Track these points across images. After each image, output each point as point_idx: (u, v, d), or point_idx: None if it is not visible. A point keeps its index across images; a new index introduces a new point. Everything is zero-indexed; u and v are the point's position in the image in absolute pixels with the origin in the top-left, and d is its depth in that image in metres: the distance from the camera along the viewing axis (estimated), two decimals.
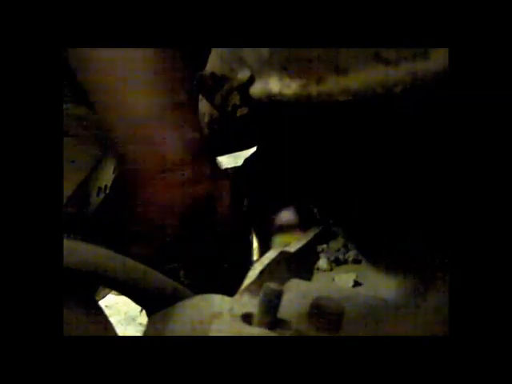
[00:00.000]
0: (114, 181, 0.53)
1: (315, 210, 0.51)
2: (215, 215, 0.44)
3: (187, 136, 0.41)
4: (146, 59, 0.40)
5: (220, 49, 0.46)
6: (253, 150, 0.60)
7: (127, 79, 0.39)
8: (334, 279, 0.43)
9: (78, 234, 0.35)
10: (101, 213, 0.51)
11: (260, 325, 0.27)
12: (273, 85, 0.36)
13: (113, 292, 0.61)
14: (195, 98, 0.43)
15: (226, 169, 0.48)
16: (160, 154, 0.40)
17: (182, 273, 0.48)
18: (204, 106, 0.51)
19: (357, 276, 0.42)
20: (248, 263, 0.50)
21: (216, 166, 0.45)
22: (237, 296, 0.32)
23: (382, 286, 0.40)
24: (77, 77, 0.41)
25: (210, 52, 0.48)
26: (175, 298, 0.35)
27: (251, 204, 0.55)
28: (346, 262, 0.45)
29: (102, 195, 0.52)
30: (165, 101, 0.40)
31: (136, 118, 0.40)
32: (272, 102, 0.37)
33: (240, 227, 0.48)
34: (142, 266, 0.35)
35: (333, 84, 0.33)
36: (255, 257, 0.55)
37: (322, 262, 0.45)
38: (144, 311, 0.37)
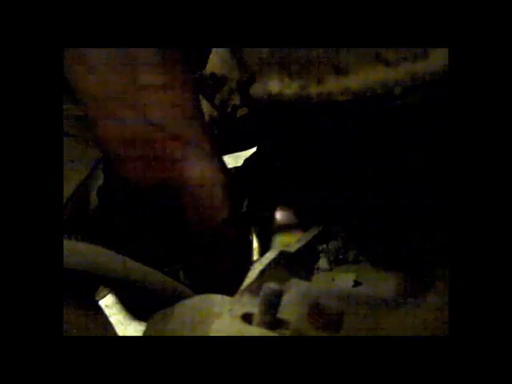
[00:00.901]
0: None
1: (315, 210, 0.51)
2: (177, 204, 0.43)
3: (152, 116, 0.41)
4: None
5: (220, 49, 0.46)
6: (253, 150, 0.60)
7: (91, 62, 0.40)
8: (333, 279, 0.43)
9: (78, 234, 0.35)
10: (101, 213, 0.51)
11: (260, 325, 0.27)
12: (273, 85, 0.36)
13: (113, 292, 0.60)
14: (182, 80, 0.43)
15: (226, 166, 0.47)
16: (118, 129, 0.41)
17: (181, 273, 0.48)
18: (204, 106, 0.51)
19: (357, 276, 0.42)
20: (248, 263, 0.50)
21: (199, 156, 0.44)
22: (237, 296, 0.32)
23: (382, 286, 0.40)
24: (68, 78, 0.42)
25: (210, 52, 0.48)
26: (175, 298, 0.35)
27: (251, 204, 0.55)
28: (346, 262, 0.45)
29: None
30: (127, 83, 0.41)
31: (99, 99, 0.41)
32: (272, 102, 0.37)
33: (238, 228, 0.47)
34: (142, 266, 0.35)
35: (333, 84, 0.33)
36: (255, 257, 0.55)
37: (322, 262, 0.45)
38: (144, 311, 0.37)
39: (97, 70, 0.40)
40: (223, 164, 0.45)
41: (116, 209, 0.46)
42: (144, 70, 0.41)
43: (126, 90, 0.41)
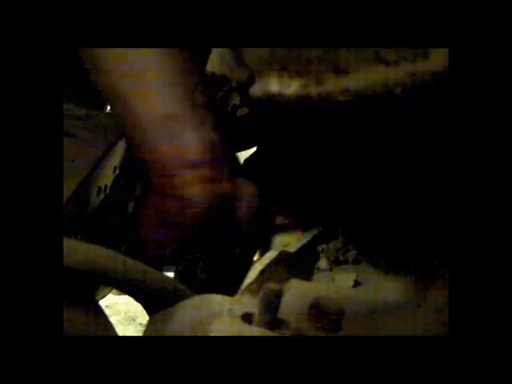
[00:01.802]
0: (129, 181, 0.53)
1: (315, 210, 0.51)
2: (235, 215, 0.45)
3: (206, 136, 0.42)
4: (162, 60, 0.41)
5: (220, 49, 0.46)
6: (253, 150, 0.60)
7: (144, 80, 0.40)
8: (334, 279, 0.43)
9: (78, 234, 0.35)
10: (101, 213, 0.51)
11: (260, 325, 0.27)
12: (273, 85, 0.36)
13: (113, 292, 0.61)
14: (213, 99, 0.44)
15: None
16: (180, 152, 0.41)
17: (199, 267, 0.48)
18: None
19: (357, 276, 0.42)
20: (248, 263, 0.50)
21: (236, 166, 0.45)
22: (237, 296, 0.32)
23: (382, 286, 0.40)
24: (91, 77, 0.42)
25: (210, 52, 0.48)
26: (175, 298, 0.35)
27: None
28: (346, 262, 0.45)
29: (102, 195, 0.52)
30: (183, 101, 0.41)
31: (155, 117, 0.41)
32: (272, 102, 0.37)
33: (263, 227, 0.49)
34: (142, 266, 0.35)
35: (333, 84, 0.33)
36: (255, 257, 0.55)
37: (322, 262, 0.45)
38: (144, 311, 0.37)
39: (152, 87, 0.40)
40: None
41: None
42: (196, 86, 0.41)
43: (185, 110, 0.41)
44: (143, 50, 0.40)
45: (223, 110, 0.46)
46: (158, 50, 0.40)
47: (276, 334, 0.27)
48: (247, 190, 0.45)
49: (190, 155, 0.42)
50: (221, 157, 0.43)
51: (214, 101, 0.44)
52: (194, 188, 0.42)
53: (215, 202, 0.43)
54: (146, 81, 0.40)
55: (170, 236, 0.45)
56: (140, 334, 0.38)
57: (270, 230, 0.55)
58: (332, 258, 0.45)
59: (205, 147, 0.42)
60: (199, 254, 0.48)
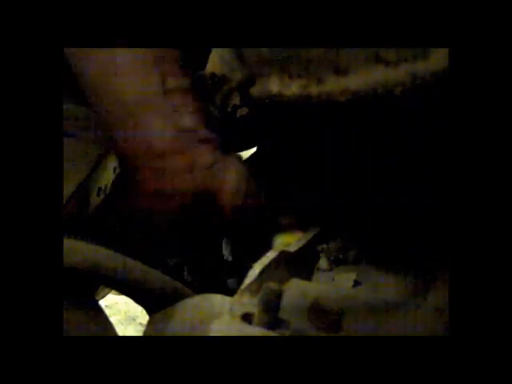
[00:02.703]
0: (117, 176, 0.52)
1: (315, 210, 0.51)
2: (214, 207, 0.43)
3: (179, 123, 0.40)
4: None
5: (220, 49, 0.46)
6: (253, 150, 0.60)
7: (115, 67, 0.39)
8: (333, 279, 0.43)
9: (78, 234, 0.35)
10: (101, 213, 0.51)
11: (260, 325, 0.27)
12: (273, 85, 0.36)
13: (113, 292, 0.61)
14: (197, 83, 0.42)
15: (241, 161, 0.46)
16: (150, 140, 0.40)
17: (186, 270, 0.48)
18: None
19: (357, 276, 0.42)
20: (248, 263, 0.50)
21: (224, 157, 0.43)
22: (237, 296, 0.32)
23: (382, 286, 0.40)
24: (71, 69, 0.41)
25: (210, 52, 0.48)
26: (175, 298, 0.35)
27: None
28: (346, 262, 0.45)
29: (102, 195, 0.52)
30: (154, 88, 0.39)
31: (125, 105, 0.39)
32: (272, 102, 0.37)
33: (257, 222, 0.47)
34: (142, 266, 0.35)
35: (333, 84, 0.33)
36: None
37: (322, 262, 0.45)
38: (144, 311, 0.37)
39: (123, 75, 0.39)
40: (242, 161, 0.45)
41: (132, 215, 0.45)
42: (169, 72, 0.40)
43: (156, 96, 0.39)
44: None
45: (223, 109, 0.46)
46: None
47: (276, 334, 0.27)
48: (230, 179, 0.43)
49: (161, 144, 0.40)
50: (196, 145, 0.41)
51: (191, 87, 0.41)
52: (167, 179, 0.41)
53: (189, 193, 0.41)
54: (116, 68, 0.39)
55: (145, 227, 0.44)
56: (140, 334, 0.38)
57: (270, 230, 0.55)
58: (332, 258, 0.45)
59: (176, 135, 0.40)
60: (185, 256, 0.48)
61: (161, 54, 0.39)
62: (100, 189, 0.52)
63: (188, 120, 0.40)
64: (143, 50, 0.39)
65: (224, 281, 0.46)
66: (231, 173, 0.42)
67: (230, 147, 0.44)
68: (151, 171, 0.41)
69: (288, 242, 0.47)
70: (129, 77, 0.39)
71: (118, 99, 0.39)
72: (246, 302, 0.31)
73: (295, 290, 0.35)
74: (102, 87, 0.40)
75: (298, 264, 0.41)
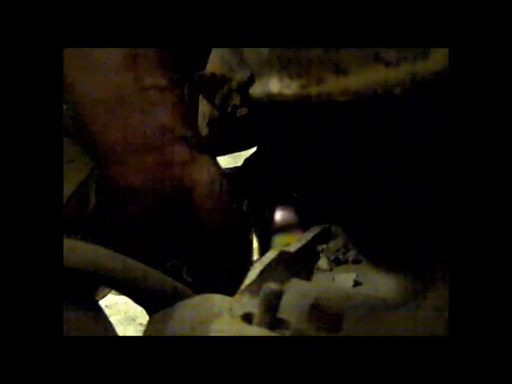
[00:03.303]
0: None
1: (315, 210, 0.51)
2: (190, 207, 0.43)
3: (157, 119, 0.40)
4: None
5: (220, 49, 0.46)
6: (253, 150, 0.60)
7: (90, 63, 0.39)
8: (334, 279, 0.43)
9: (78, 234, 0.35)
10: (101, 213, 0.51)
11: (260, 325, 0.27)
12: (273, 85, 0.36)
13: (113, 292, 0.61)
14: (177, 81, 0.43)
15: (217, 162, 0.46)
16: (126, 136, 0.40)
17: (184, 270, 0.48)
18: (204, 106, 0.51)
19: (357, 276, 0.42)
20: (248, 263, 0.50)
21: (200, 156, 0.43)
22: (237, 296, 0.32)
23: (382, 286, 0.40)
24: None
25: (210, 52, 0.48)
26: (175, 298, 0.35)
27: (251, 204, 0.55)
28: (346, 261, 0.45)
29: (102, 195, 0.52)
30: (131, 84, 0.40)
31: (101, 101, 0.39)
32: (272, 103, 0.37)
33: (236, 227, 0.47)
34: (142, 266, 0.35)
35: (333, 84, 0.33)
36: (255, 257, 0.55)
37: (322, 262, 0.45)
38: (144, 311, 0.37)
39: (99, 71, 0.39)
40: (218, 162, 0.45)
41: (115, 212, 0.46)
42: (147, 70, 0.40)
43: (131, 92, 0.40)
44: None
45: (223, 109, 0.46)
46: None
47: (276, 334, 0.27)
48: (207, 180, 0.43)
49: (135, 140, 0.40)
50: (172, 142, 0.41)
51: (170, 85, 0.42)
52: (141, 176, 0.41)
53: (166, 191, 0.41)
54: (92, 64, 0.39)
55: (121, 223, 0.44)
56: (140, 334, 0.38)
57: (270, 231, 0.55)
58: (332, 258, 0.45)
59: (153, 131, 0.40)
60: (184, 256, 0.48)
61: (138, 52, 0.40)
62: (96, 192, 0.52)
63: (164, 117, 0.41)
64: (120, 49, 0.39)
65: (224, 281, 0.46)
66: (206, 171, 0.42)
67: (205, 147, 0.44)
68: (125, 167, 0.41)
69: (288, 242, 0.47)
70: (104, 74, 0.39)
71: (93, 95, 0.40)
72: (246, 302, 0.31)
73: (295, 290, 0.35)
74: (77, 83, 0.40)
75: (298, 264, 0.41)
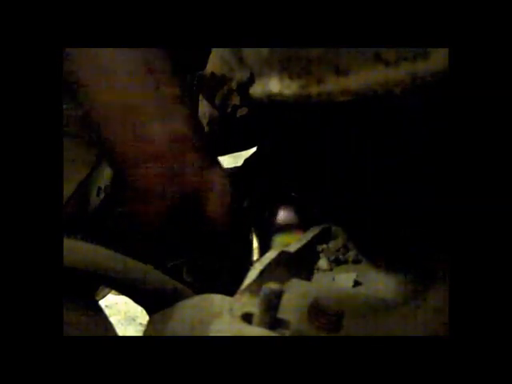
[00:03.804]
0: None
1: (315, 210, 0.51)
2: (203, 212, 0.43)
3: (173, 128, 0.41)
4: (128, 53, 0.40)
5: (220, 49, 0.46)
6: (253, 150, 0.60)
7: (107, 70, 0.39)
8: (334, 279, 0.43)
9: (78, 234, 0.35)
10: (101, 213, 0.51)
11: (260, 325, 0.27)
12: (273, 85, 0.36)
13: (113, 292, 0.61)
14: (188, 92, 0.43)
15: (224, 168, 0.47)
16: (142, 143, 0.40)
17: (185, 270, 0.48)
18: (204, 106, 0.51)
19: (357, 276, 0.42)
20: (248, 263, 0.50)
21: (212, 163, 0.44)
22: (237, 296, 0.32)
23: (382, 286, 0.40)
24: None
25: (210, 52, 0.48)
26: (175, 298, 0.35)
27: (251, 204, 0.55)
28: (346, 261, 0.45)
29: (102, 195, 0.52)
30: (147, 94, 0.40)
31: (116, 108, 0.40)
32: (272, 102, 0.37)
33: (236, 227, 0.47)
34: (142, 266, 0.35)
35: (333, 84, 0.33)
36: (255, 257, 0.55)
37: (322, 262, 0.45)
38: (144, 311, 0.37)
39: (115, 75, 0.39)
40: (222, 166, 0.46)
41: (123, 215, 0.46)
42: (163, 80, 0.40)
43: (149, 102, 0.40)
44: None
45: (223, 109, 0.46)
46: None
47: (276, 334, 0.27)
48: (219, 186, 0.44)
49: (153, 147, 0.40)
50: (188, 150, 0.42)
51: (183, 95, 0.42)
52: (157, 181, 0.41)
53: (179, 197, 0.42)
54: (107, 67, 0.40)
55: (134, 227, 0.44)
56: (140, 334, 0.38)
57: (270, 231, 0.55)
58: (332, 258, 0.45)
59: (170, 139, 0.41)
60: (184, 256, 0.48)
61: (154, 63, 0.40)
62: (100, 189, 0.52)
63: (180, 126, 0.41)
64: (138, 58, 0.39)
65: (224, 281, 0.46)
66: (219, 178, 0.43)
67: (215, 155, 0.45)
68: (140, 173, 0.41)
69: (288, 242, 0.47)
70: (123, 81, 0.40)
71: (107, 99, 0.40)
72: (246, 302, 0.31)
73: (295, 290, 0.35)
74: (95, 88, 0.40)
75: (298, 264, 0.41)
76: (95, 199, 0.51)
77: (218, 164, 0.45)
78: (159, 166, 0.41)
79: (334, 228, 0.48)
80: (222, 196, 0.44)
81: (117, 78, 0.39)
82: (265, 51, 0.36)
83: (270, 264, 0.36)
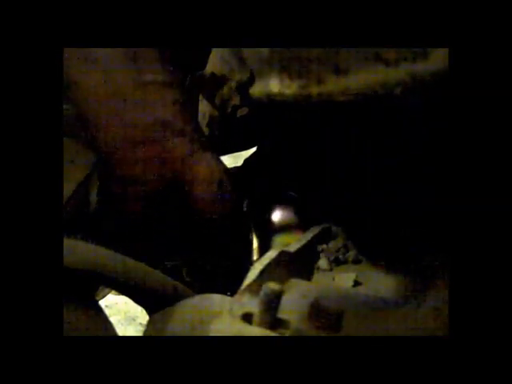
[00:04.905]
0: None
1: (315, 210, 0.51)
2: (186, 199, 0.43)
3: (158, 114, 0.41)
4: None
5: (220, 49, 0.46)
6: (253, 150, 0.60)
7: (93, 60, 0.40)
8: (334, 279, 0.43)
9: (78, 234, 0.35)
10: (101, 213, 0.51)
11: (260, 325, 0.27)
12: (273, 85, 0.36)
13: (113, 292, 0.60)
14: (176, 77, 0.43)
15: (218, 157, 0.47)
16: (127, 129, 0.41)
17: (184, 270, 0.48)
18: (204, 106, 0.51)
19: (357, 276, 0.42)
20: (248, 263, 0.50)
21: (199, 150, 0.44)
22: (237, 296, 0.32)
23: (382, 286, 0.40)
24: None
25: (210, 52, 0.48)
26: (175, 298, 0.35)
27: (251, 204, 0.55)
28: (346, 262, 0.45)
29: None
30: (132, 80, 0.41)
31: (101, 95, 0.40)
32: (272, 102, 0.37)
33: (236, 227, 0.48)
34: (142, 266, 0.35)
35: (333, 84, 0.33)
36: (255, 257, 0.55)
37: (322, 262, 0.45)
38: (144, 311, 0.37)
39: (101, 68, 0.40)
40: (220, 160, 0.46)
41: (115, 210, 0.46)
42: (146, 67, 0.41)
43: (131, 88, 0.41)
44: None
45: (223, 109, 0.46)
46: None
47: (276, 334, 0.27)
48: (204, 173, 0.44)
49: (137, 133, 0.41)
50: (172, 136, 0.42)
51: (170, 81, 0.43)
52: (138, 166, 0.42)
53: (160, 182, 0.42)
54: (94, 62, 0.40)
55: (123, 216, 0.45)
56: (140, 334, 0.38)
57: (270, 231, 0.55)
58: (332, 258, 0.45)
59: (153, 125, 0.41)
60: (184, 256, 0.48)
61: (137, 49, 0.40)
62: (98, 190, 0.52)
63: (163, 112, 0.41)
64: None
65: (224, 281, 0.46)
66: (206, 166, 0.43)
67: (210, 144, 0.45)
68: (124, 159, 0.42)
69: (288, 241, 0.47)
70: (106, 71, 0.40)
71: (96, 93, 0.40)
72: (245, 302, 0.31)
73: (295, 290, 0.35)
74: (82, 82, 0.40)
75: (298, 264, 0.41)
76: (95, 199, 0.51)
77: (209, 151, 0.44)
78: (142, 151, 0.41)
79: (334, 228, 0.48)
80: (208, 183, 0.44)
81: (98, 65, 0.40)
82: (265, 51, 0.36)
83: (269, 264, 0.36)
